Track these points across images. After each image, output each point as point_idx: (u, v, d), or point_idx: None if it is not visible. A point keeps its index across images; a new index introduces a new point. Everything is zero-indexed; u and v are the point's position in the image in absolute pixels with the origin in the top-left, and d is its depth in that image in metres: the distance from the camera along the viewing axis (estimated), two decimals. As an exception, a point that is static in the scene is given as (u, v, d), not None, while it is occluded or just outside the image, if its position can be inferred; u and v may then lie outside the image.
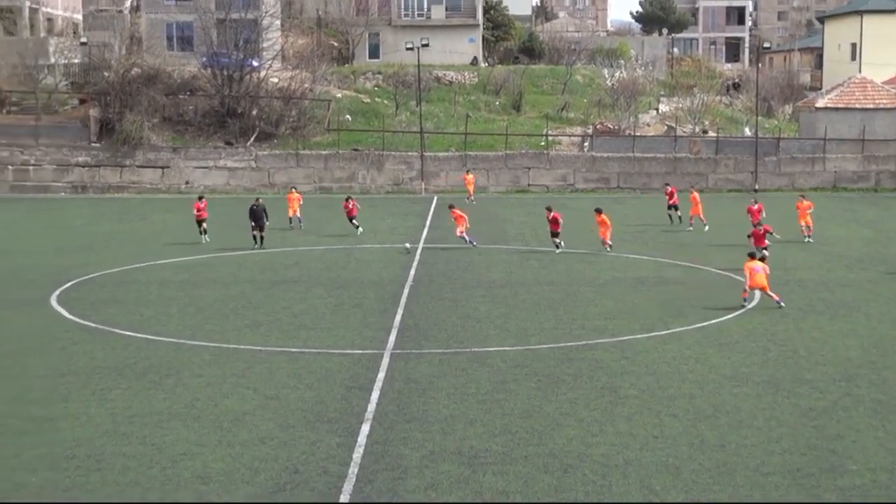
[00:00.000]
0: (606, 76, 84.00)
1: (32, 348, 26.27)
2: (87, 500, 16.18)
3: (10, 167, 67.86)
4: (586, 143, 71.81)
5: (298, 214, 49.61)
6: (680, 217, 50.32)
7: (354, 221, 46.55)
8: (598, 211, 42.18)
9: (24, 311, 30.74)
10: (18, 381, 23.14)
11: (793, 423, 20.08)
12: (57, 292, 33.47)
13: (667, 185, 55.06)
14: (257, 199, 44.95)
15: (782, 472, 17.39)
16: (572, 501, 16.03)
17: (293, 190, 52.62)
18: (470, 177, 62.34)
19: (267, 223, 43.12)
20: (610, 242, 41.24)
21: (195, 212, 44.69)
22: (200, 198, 46.78)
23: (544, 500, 16.14)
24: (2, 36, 77.36)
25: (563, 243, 41.46)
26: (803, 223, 44.62)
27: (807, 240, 44.13)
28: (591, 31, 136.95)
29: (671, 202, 50.96)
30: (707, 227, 47.85)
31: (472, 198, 59.92)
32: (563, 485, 16.80)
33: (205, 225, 44.51)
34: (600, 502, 16.06)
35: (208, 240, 44.01)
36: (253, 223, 42.96)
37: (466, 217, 43.73)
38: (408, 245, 42.24)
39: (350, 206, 46.69)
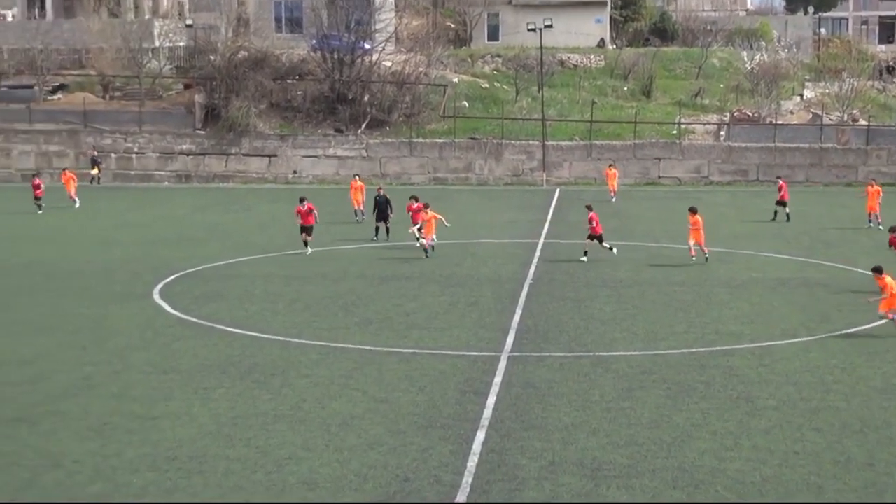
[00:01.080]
0: (745, 59, 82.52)
1: (135, 344, 26.91)
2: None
3: (112, 155, 69.68)
4: (722, 132, 70.76)
5: (362, 207, 49.35)
6: (788, 215, 49.74)
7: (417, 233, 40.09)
8: (693, 211, 38.54)
9: (127, 306, 31.56)
10: (121, 378, 23.73)
11: (951, 441, 19.53)
12: (160, 286, 34.26)
13: (779, 177, 54.30)
14: (379, 189, 45.30)
15: (939, 495, 16.94)
16: (704, 520, 15.83)
17: (356, 177, 52.35)
18: (612, 171, 60.22)
19: (392, 215, 43.65)
20: (706, 250, 38.55)
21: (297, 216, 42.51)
22: (302, 199, 42.38)
23: (673, 518, 15.99)
24: (106, 18, 79.33)
25: (611, 248, 39.64)
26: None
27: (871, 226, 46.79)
28: (728, 11, 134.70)
29: (781, 197, 50.20)
30: (881, 226, 45.40)
31: (614, 195, 58.79)
32: (694, 502, 16.59)
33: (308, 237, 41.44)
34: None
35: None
36: (377, 214, 43.55)
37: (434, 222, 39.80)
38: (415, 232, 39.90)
39: (415, 207, 41.02)
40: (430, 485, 17.24)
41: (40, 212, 52.81)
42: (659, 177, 67.73)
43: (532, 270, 37.43)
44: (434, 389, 22.83)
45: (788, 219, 49.52)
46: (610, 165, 60.82)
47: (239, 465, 18.18)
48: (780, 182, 51.71)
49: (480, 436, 19.53)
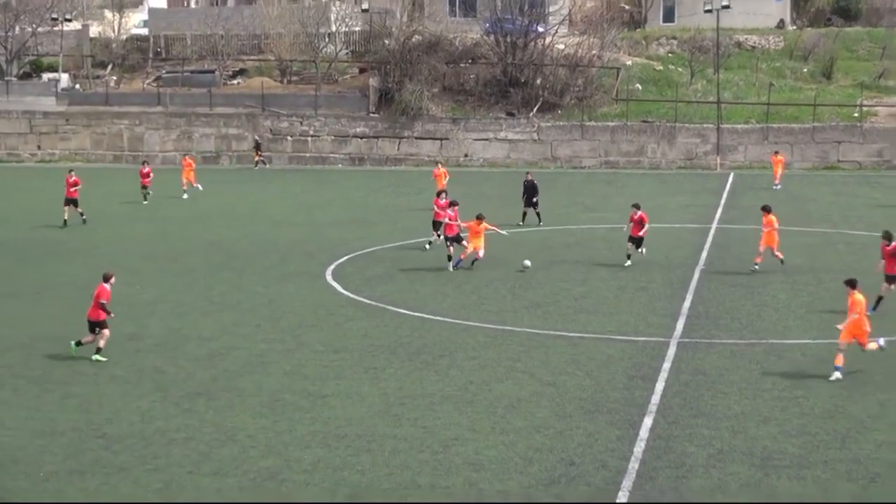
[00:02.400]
0: (934, 38, 79.51)
1: (308, 323, 27.53)
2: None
3: (289, 138, 71.21)
4: (908, 115, 68.36)
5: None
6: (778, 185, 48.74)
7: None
8: (766, 210, 34.22)
9: (301, 285, 32.29)
10: (295, 356, 24.33)
11: None
12: (332, 266, 34.93)
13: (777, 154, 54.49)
14: (528, 174, 45.04)
15: None
16: (879, 514, 15.39)
17: (439, 165, 51.71)
18: (778, 158, 57.75)
19: (538, 199, 43.18)
20: (779, 255, 33.61)
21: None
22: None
23: (846, 511, 15.62)
24: (284, 4, 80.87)
25: (644, 252, 35.34)
26: None
27: None
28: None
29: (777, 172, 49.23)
30: None
31: (779, 183, 56.93)
32: (869, 495, 16.16)
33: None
34: None
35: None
36: (525, 200, 43.26)
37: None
38: (527, 263, 34.91)
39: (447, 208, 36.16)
40: (596, 469, 17.20)
41: (146, 202, 50.87)
42: (838, 161, 65.77)
43: (704, 256, 36.91)
44: (601, 374, 22.75)
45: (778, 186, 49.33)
46: (776, 152, 59.03)
47: (406, 445, 18.44)
48: (779, 159, 52.29)
49: (648, 422, 19.40)
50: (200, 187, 53.92)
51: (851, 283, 22.74)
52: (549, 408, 20.38)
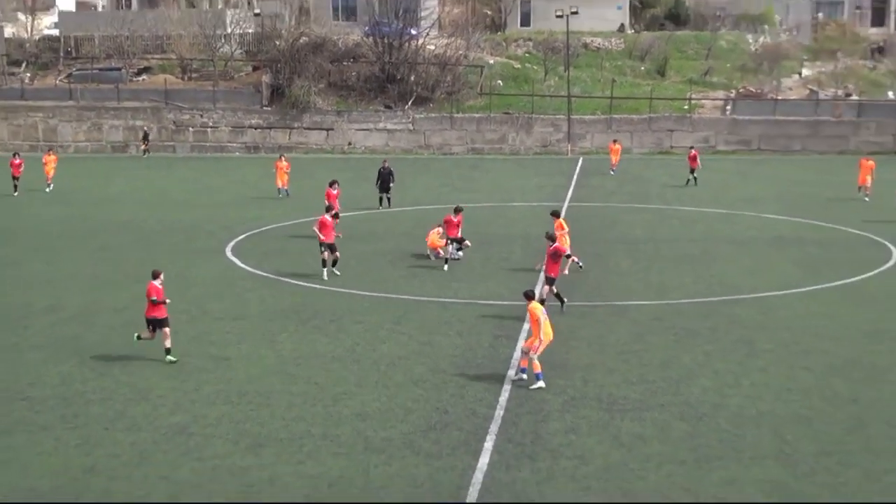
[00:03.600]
0: (750, 41, 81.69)
1: (211, 294, 27.26)
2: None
3: (190, 129, 70.14)
4: (728, 107, 70.17)
5: (286, 186, 46.18)
6: (696, 180, 49.42)
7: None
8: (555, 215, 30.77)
9: (204, 260, 31.92)
10: (199, 324, 24.10)
11: (927, 380, 19.48)
12: (232, 243, 34.58)
13: (691, 148, 54.23)
14: (384, 161, 44.34)
15: (915, 427, 16.94)
16: (706, 448, 15.88)
17: (282, 157, 48.54)
18: (616, 146, 57.59)
19: (393, 185, 42.33)
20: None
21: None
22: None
23: (681, 449, 16.08)
24: (184, 8, 79.52)
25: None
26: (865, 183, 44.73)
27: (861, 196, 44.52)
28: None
29: (693, 165, 49.96)
30: (867, 198, 44.06)
31: (615, 169, 56.31)
32: (698, 432, 16.70)
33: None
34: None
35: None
36: (380, 185, 42.19)
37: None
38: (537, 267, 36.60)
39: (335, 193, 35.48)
40: (467, 416, 17.45)
41: (16, 193, 46.36)
42: (671, 147, 67.21)
43: (558, 230, 37.43)
44: (470, 334, 23.02)
45: (696, 183, 49.30)
46: (614, 140, 59.57)
47: (300, 399, 18.47)
48: (693, 152, 51.66)
49: (511, 374, 19.74)
50: (51, 187, 48.36)
51: (528, 296, 19.87)
52: (426, 364, 20.58)
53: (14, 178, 46.68)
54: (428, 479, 14.88)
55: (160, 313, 20.90)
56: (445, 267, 30.30)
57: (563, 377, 19.62)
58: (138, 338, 21.32)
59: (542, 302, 21.47)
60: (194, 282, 28.77)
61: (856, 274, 29.17)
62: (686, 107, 69.71)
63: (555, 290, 24.48)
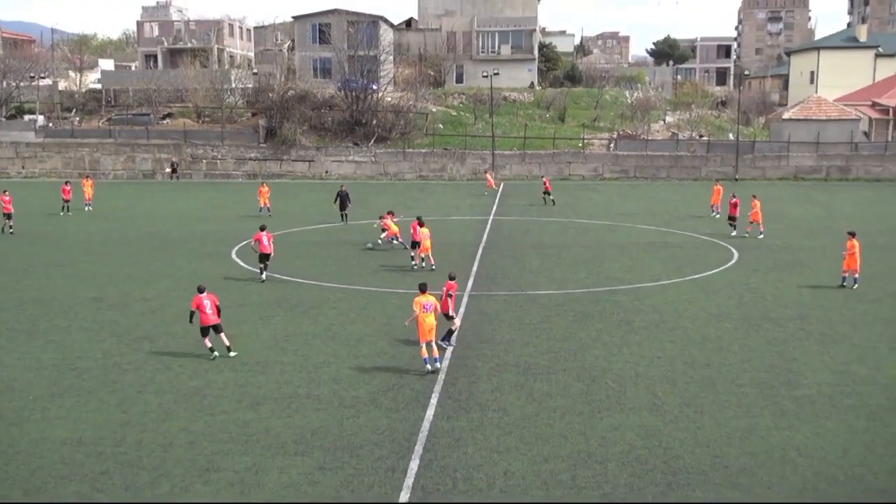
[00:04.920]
0: (628, 96, 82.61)
1: (220, 286, 26.71)
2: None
3: (204, 160, 69.19)
4: (612, 145, 70.81)
5: (268, 205, 44.85)
6: (553, 201, 49.32)
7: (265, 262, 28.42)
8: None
9: (214, 261, 31.45)
10: (210, 310, 23.69)
11: (760, 349, 19.73)
12: (236, 248, 34.12)
13: (542, 176, 56.12)
14: (342, 186, 43.73)
15: (752, 384, 17.14)
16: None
17: (263, 184, 47.40)
18: (489, 176, 59.46)
19: (350, 205, 41.68)
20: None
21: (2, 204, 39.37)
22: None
23: (578, 402, 16.11)
24: (198, 68, 78.49)
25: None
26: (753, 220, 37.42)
27: (713, 214, 43.86)
28: (617, 63, 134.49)
29: (546, 189, 50.21)
30: (718, 215, 42.68)
31: (489, 191, 56.80)
32: (591, 390, 16.75)
33: (11, 220, 38.72)
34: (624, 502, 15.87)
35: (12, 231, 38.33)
36: (339, 204, 41.48)
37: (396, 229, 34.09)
38: (370, 245, 34.47)
39: (265, 240, 28.18)
40: (417, 379, 17.34)
41: (70, 213, 44.48)
42: (570, 174, 67.66)
43: (485, 236, 37.48)
44: (419, 316, 22.89)
45: (554, 203, 49.15)
46: (486, 171, 62.11)
47: (289, 367, 18.24)
48: (545, 179, 52.51)
49: (450, 348, 19.63)
50: (91, 208, 46.60)
51: (422, 287, 18.43)
52: (386, 340, 20.44)
53: (65, 200, 45.18)
54: (387, 428, 14.75)
55: (206, 321, 18.73)
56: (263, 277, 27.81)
57: (490, 349, 19.59)
58: (211, 350, 18.87)
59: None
60: (206, 277, 28.22)
61: (707, 270, 29.54)
62: (580, 144, 70.23)
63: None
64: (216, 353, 18.87)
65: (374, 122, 70.88)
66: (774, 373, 17.90)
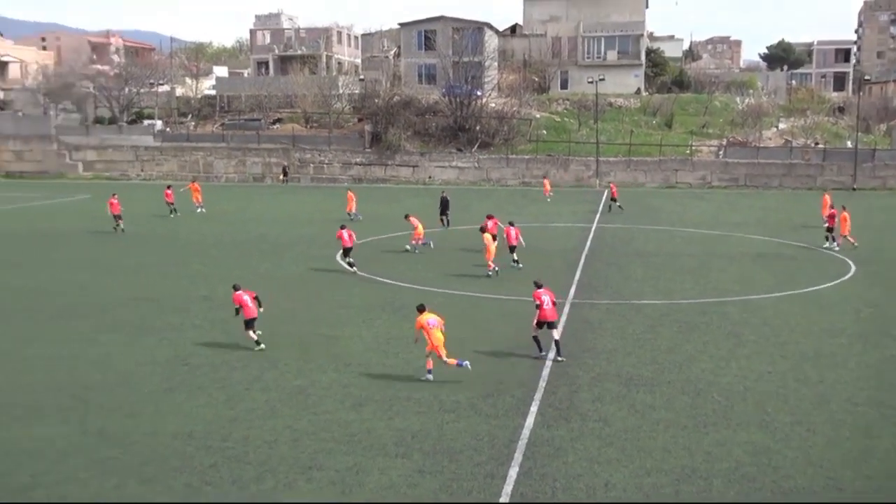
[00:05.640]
0: (739, 102, 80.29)
1: (326, 289, 27.41)
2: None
3: (311, 165, 70.95)
4: (721, 152, 68.98)
5: (355, 210, 44.69)
6: (620, 207, 48.92)
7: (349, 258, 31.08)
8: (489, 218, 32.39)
9: (320, 264, 32.12)
10: (316, 310, 24.23)
11: (879, 367, 18.81)
12: (340, 251, 34.68)
13: (610, 182, 56.07)
14: (443, 192, 44.07)
15: (869, 404, 16.34)
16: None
17: (349, 190, 47.80)
18: (546, 183, 58.66)
19: (450, 210, 41.84)
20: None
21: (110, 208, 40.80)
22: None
23: (683, 416, 15.72)
24: (307, 75, 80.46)
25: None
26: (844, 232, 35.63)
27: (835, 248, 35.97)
28: (727, 68, 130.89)
29: (613, 195, 49.73)
30: (856, 245, 36.23)
31: (547, 197, 56.42)
32: (697, 404, 16.30)
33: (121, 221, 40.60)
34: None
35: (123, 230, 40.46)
36: (441, 209, 41.80)
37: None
38: (431, 244, 35.68)
39: (346, 236, 30.87)
40: (517, 386, 17.26)
41: (172, 216, 46.10)
42: (676, 182, 66.33)
43: (588, 244, 37.07)
44: (520, 323, 22.72)
45: (621, 209, 48.70)
46: (545, 176, 62.42)
47: (391, 370, 18.43)
48: (612, 185, 52.13)
49: (551, 354, 19.47)
50: (203, 210, 48.33)
51: (420, 308, 18.02)
52: (486, 345, 20.42)
53: (169, 204, 46.62)
54: (487, 434, 14.73)
55: (251, 314, 19.89)
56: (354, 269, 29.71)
57: (591, 358, 19.33)
58: (257, 343, 19.88)
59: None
60: (312, 279, 28.98)
61: (821, 283, 28.39)
62: (688, 151, 68.72)
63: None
64: (262, 345, 19.82)
65: (478, 127, 71.16)
66: (895, 392, 17.02)
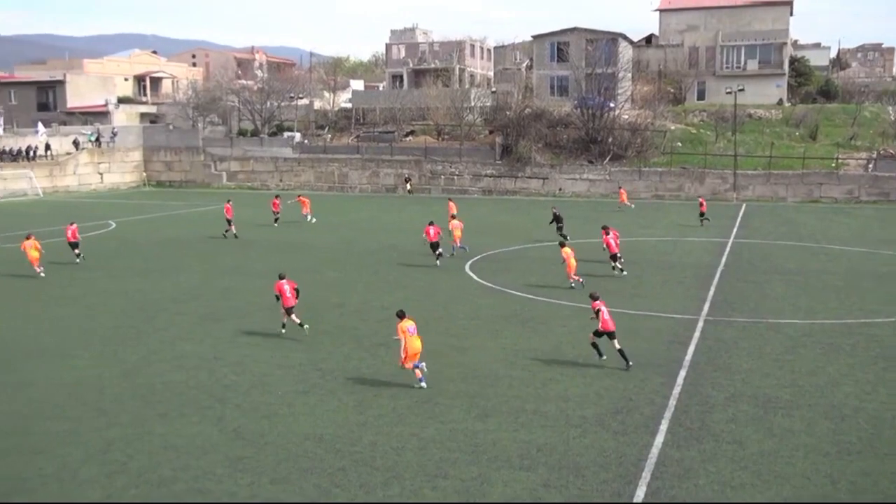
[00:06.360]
0: (891, 112, 75.74)
1: (454, 300, 27.63)
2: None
3: (442, 176, 71.80)
4: (871, 165, 65.30)
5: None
6: (708, 219, 47.58)
7: (456, 248, 36.70)
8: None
9: (449, 275, 32.41)
10: (444, 321, 24.43)
11: None
12: (469, 262, 34.98)
13: (699, 197, 53.67)
14: (553, 207, 44.10)
15: None
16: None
17: (450, 199, 47.56)
18: (623, 192, 58.77)
19: (563, 224, 41.29)
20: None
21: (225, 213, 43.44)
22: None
23: (825, 442, 14.92)
24: (440, 88, 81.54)
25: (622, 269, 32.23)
26: None
27: None
28: (878, 77, 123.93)
29: (702, 210, 48.16)
30: None
31: (622, 206, 56.89)
32: (840, 430, 15.45)
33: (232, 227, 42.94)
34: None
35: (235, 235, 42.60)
36: (555, 224, 41.41)
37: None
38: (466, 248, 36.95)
39: (432, 232, 34.96)
40: (646, 404, 16.86)
41: (276, 225, 47.37)
42: (820, 197, 63.25)
43: (724, 259, 35.85)
44: (650, 339, 22.31)
45: (709, 220, 47.72)
46: (619, 186, 61.14)
47: (517, 382, 18.37)
48: (701, 199, 50.57)
49: (682, 373, 18.97)
50: (314, 220, 49.42)
51: (400, 314, 18.25)
52: (615, 361, 20.05)
53: (274, 212, 48.10)
54: (614, 451, 14.44)
55: (289, 303, 22.09)
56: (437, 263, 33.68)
57: (725, 378, 18.66)
58: (301, 325, 22.27)
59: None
60: (440, 290, 29.26)
61: (982, 306, 26.37)
62: (833, 165, 65.46)
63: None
64: (307, 325, 22.25)
65: (610, 139, 70.23)
66: None
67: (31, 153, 74.30)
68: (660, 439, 14.92)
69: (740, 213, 54.96)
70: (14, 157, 73.37)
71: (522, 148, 69.46)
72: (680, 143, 71.03)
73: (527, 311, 25.78)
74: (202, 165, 79.06)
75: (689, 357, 20.22)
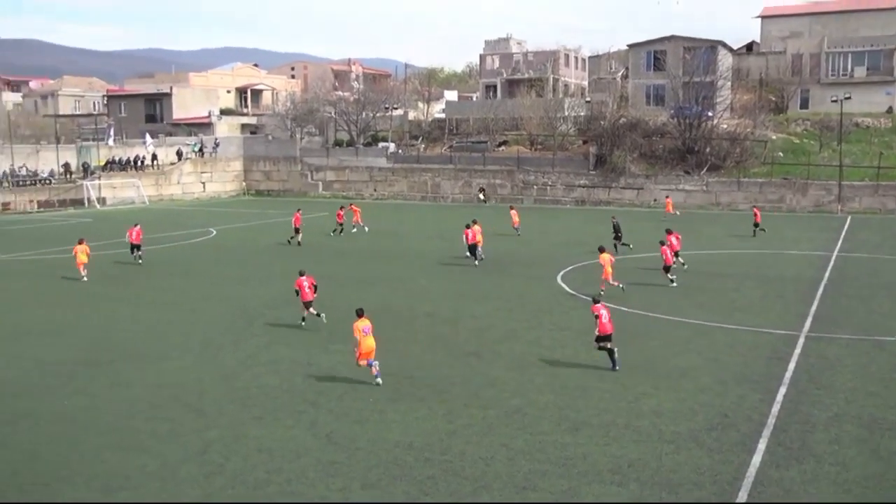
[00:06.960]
0: None
1: (545, 309, 27.47)
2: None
3: (535, 186, 71.54)
4: None
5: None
6: (763, 230, 46.73)
7: (478, 251, 37.26)
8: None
9: (540, 284, 32.24)
10: (534, 331, 24.30)
11: None
12: (561, 272, 34.72)
13: (753, 206, 53.60)
14: (613, 217, 43.73)
15: None
16: (960, 469, 13.85)
17: (512, 207, 48.17)
18: (669, 202, 58.55)
19: (621, 234, 40.74)
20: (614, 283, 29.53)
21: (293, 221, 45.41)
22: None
23: (934, 465, 14.18)
24: (534, 98, 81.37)
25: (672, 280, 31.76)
26: None
27: None
28: None
29: (756, 220, 47.31)
30: None
31: (668, 215, 55.65)
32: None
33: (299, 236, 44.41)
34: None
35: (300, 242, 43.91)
36: (614, 234, 40.76)
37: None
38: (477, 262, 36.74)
39: (470, 234, 37.15)
40: (743, 421, 16.36)
41: (332, 234, 48.23)
42: (933, 209, 60.38)
43: (827, 273, 34.54)
44: (749, 354, 21.66)
45: (765, 231, 47.09)
46: (754, 206, 56.82)
47: (608, 395, 18.10)
48: (755, 209, 49.94)
49: (782, 390, 18.34)
50: (367, 228, 50.25)
51: (359, 312, 19.09)
52: (711, 376, 19.55)
53: (339, 224, 48.68)
54: (709, 469, 14.05)
55: (304, 298, 24.29)
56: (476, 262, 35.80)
57: (828, 397, 17.93)
58: (318, 315, 24.42)
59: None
60: (531, 300, 29.12)
61: None
62: (949, 175, 62.37)
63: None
64: (323, 314, 24.50)
65: (708, 149, 68.69)
66: None
67: (139, 163, 77.64)
68: (757, 458, 14.43)
69: (845, 226, 52.89)
70: (123, 166, 76.81)
71: (617, 158, 68.65)
72: (781, 154, 68.92)
73: (619, 322, 25.30)
74: (299, 175, 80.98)
75: (789, 374, 19.54)
